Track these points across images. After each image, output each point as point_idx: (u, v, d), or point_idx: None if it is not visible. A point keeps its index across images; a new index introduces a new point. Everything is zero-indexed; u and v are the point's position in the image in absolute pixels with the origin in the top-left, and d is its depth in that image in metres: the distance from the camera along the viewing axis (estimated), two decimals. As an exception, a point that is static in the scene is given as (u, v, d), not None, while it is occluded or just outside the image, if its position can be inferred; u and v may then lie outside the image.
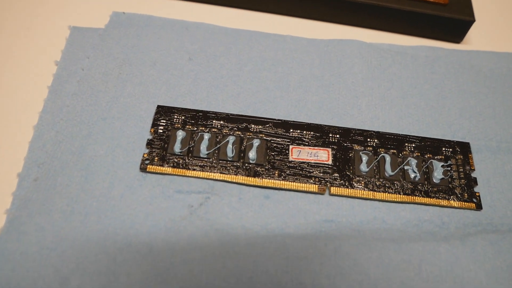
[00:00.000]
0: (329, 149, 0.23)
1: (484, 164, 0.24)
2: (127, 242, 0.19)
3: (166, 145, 0.22)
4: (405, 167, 0.22)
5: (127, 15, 0.27)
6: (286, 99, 0.25)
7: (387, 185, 0.22)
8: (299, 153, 0.22)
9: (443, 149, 0.23)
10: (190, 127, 0.23)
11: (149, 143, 0.22)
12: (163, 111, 0.23)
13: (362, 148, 0.23)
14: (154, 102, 0.24)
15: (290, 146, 0.23)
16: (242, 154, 0.22)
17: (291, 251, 0.19)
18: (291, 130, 0.23)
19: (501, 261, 0.20)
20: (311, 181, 0.22)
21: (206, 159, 0.22)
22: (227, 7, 0.29)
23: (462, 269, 0.19)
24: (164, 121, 0.23)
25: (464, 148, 0.24)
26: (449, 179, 0.22)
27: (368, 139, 0.23)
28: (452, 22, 0.28)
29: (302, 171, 0.22)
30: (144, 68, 0.25)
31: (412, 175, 0.22)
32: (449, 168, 0.23)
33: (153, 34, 0.27)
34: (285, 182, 0.22)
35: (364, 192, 0.22)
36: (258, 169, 0.22)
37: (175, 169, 0.21)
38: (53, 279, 0.18)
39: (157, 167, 0.21)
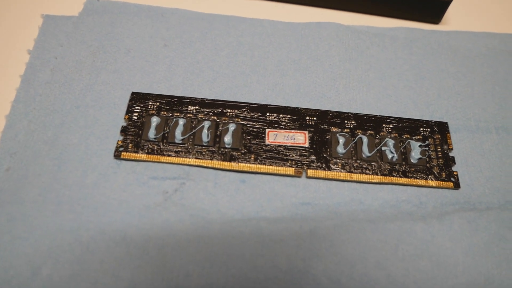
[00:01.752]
0: (306, 132, 0.23)
1: (462, 143, 0.23)
2: (100, 230, 0.19)
3: (140, 132, 0.22)
4: (383, 148, 0.22)
5: (101, 2, 0.27)
6: (263, 83, 0.25)
7: (364, 166, 0.22)
8: (275, 137, 0.22)
9: (421, 129, 0.23)
10: (165, 113, 0.22)
11: (124, 130, 0.22)
12: (137, 98, 0.23)
13: (339, 130, 0.23)
14: (128, 89, 0.24)
15: (267, 130, 0.22)
16: (217, 139, 0.22)
17: (266, 234, 0.19)
18: (268, 114, 0.23)
19: (478, 239, 0.20)
20: (288, 164, 0.21)
21: (181, 145, 0.22)
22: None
23: (438, 247, 0.19)
24: (139, 107, 0.23)
25: (442, 128, 0.23)
26: (427, 159, 0.22)
27: (346, 121, 0.23)
28: (430, 3, 0.27)
29: (278, 155, 0.22)
30: (118, 55, 0.25)
31: (390, 156, 0.22)
32: (426, 148, 0.22)
33: (127, 20, 0.26)
34: (261, 166, 0.21)
35: (341, 174, 0.21)
36: (234, 153, 0.22)
37: (149, 155, 0.21)
38: (24, 268, 0.18)
39: (132, 153, 0.21)
